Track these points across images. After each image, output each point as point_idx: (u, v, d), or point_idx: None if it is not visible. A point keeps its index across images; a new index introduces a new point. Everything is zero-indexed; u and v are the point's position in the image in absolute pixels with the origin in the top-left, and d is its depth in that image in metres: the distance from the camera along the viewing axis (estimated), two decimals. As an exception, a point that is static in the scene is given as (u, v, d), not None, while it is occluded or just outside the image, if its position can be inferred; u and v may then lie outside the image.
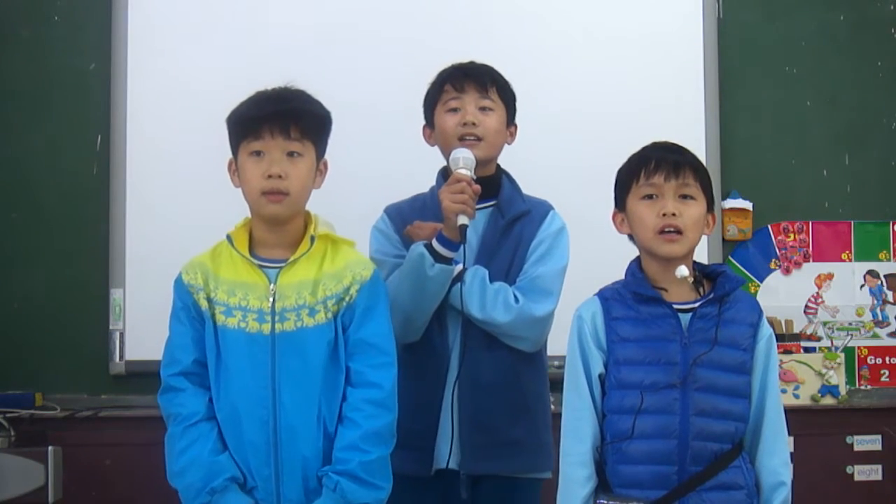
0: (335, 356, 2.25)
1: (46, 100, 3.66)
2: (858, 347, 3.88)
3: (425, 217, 2.53)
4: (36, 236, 3.63)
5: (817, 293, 3.88)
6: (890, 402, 3.78)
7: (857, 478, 3.66)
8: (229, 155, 2.32)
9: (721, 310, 2.17)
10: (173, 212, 3.54)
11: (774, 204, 3.88)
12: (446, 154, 2.56)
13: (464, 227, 2.39)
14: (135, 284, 3.55)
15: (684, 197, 2.18)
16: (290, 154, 2.25)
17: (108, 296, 3.58)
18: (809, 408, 3.64)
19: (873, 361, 3.88)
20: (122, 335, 3.57)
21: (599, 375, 2.19)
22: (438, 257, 2.41)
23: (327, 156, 2.37)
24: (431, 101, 2.61)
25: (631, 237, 2.27)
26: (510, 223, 2.55)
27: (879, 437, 3.66)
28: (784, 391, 3.56)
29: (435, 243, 2.43)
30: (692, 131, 3.65)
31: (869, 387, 3.86)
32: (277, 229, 2.29)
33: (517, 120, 2.65)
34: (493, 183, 2.55)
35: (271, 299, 2.24)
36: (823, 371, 3.67)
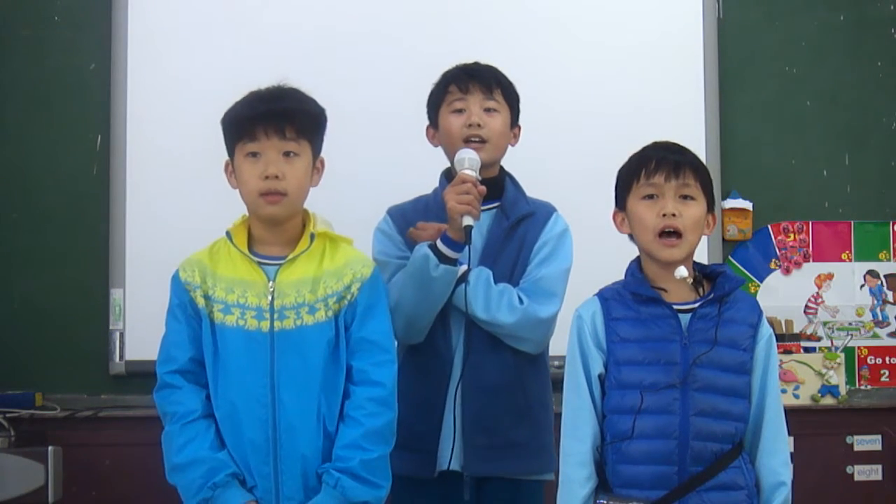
0: (335, 354, 2.25)
1: (46, 100, 3.66)
2: (858, 347, 3.88)
3: (428, 218, 2.53)
4: (36, 236, 3.62)
5: (817, 293, 3.88)
6: (890, 402, 3.78)
7: (857, 478, 3.66)
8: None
9: (721, 310, 2.17)
10: (173, 212, 3.54)
11: (774, 204, 3.88)
12: (450, 155, 2.56)
13: (469, 228, 2.39)
14: (135, 284, 3.55)
15: (684, 197, 2.18)
16: (287, 154, 2.25)
17: (108, 296, 3.58)
18: (809, 408, 3.63)
19: (873, 361, 3.89)
20: (122, 335, 3.57)
21: (599, 375, 2.19)
22: (443, 258, 2.41)
23: (328, 156, 2.37)
24: (435, 102, 2.61)
25: (631, 237, 2.27)
26: (514, 225, 2.55)
27: (879, 437, 3.66)
28: (784, 391, 3.55)
29: (439, 244, 2.42)
30: (692, 131, 3.64)
31: (869, 387, 3.86)
32: (275, 228, 2.30)
33: (520, 121, 2.65)
34: (496, 185, 2.55)
35: (270, 297, 2.24)
36: (823, 371, 3.67)
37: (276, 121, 2.23)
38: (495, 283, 2.48)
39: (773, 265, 3.88)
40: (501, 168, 2.62)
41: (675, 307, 2.17)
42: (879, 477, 3.66)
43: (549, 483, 2.48)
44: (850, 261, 3.91)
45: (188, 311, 2.28)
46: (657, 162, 2.18)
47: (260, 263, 2.27)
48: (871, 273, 3.91)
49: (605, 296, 2.24)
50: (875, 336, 3.89)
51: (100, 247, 3.61)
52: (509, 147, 2.62)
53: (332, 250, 2.31)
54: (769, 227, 3.89)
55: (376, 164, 3.55)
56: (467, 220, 2.39)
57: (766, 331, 2.21)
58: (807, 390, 3.66)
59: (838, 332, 3.87)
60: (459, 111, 2.55)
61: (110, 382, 3.58)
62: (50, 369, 3.56)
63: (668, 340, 2.14)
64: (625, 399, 2.14)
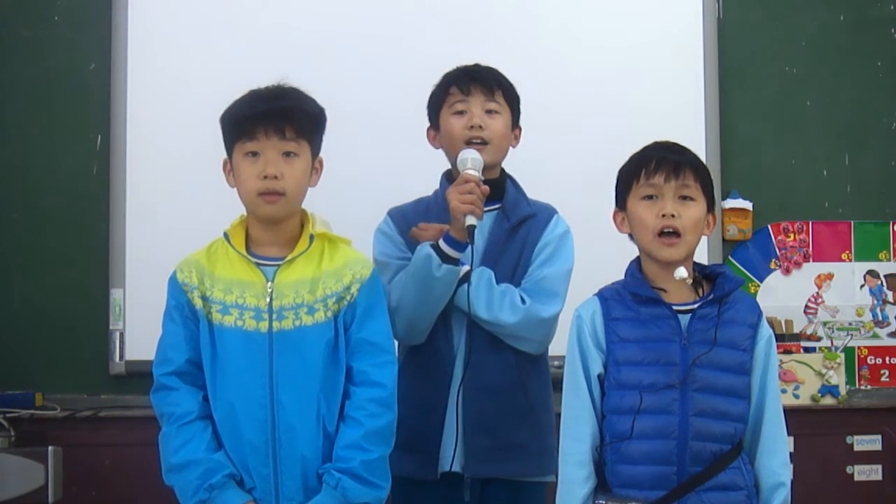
0: (335, 355, 2.25)
1: (46, 100, 3.66)
2: (858, 347, 3.88)
3: (429, 220, 2.52)
4: (36, 236, 3.63)
5: (817, 293, 3.88)
6: (890, 402, 3.78)
7: (857, 478, 3.66)
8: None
9: (720, 310, 2.17)
10: (173, 212, 3.55)
11: (774, 204, 3.88)
12: (451, 157, 2.56)
13: (472, 228, 2.39)
14: (135, 284, 3.55)
15: (684, 198, 2.18)
16: (286, 154, 2.24)
17: (108, 296, 3.58)
18: (809, 408, 3.63)
19: (873, 361, 3.89)
20: (122, 335, 3.57)
21: (598, 375, 2.19)
22: (445, 258, 2.41)
23: (328, 157, 2.37)
24: (436, 104, 2.60)
25: (631, 237, 2.27)
26: (515, 226, 2.55)
27: (879, 437, 3.66)
28: (784, 391, 3.56)
29: (442, 244, 2.42)
30: (692, 131, 3.64)
31: (869, 387, 3.86)
32: (274, 228, 2.29)
33: (520, 122, 2.65)
34: (498, 186, 2.55)
35: (268, 297, 2.23)
36: (823, 371, 3.67)
37: (275, 120, 2.23)
38: (497, 283, 2.48)
39: (773, 265, 3.88)
40: (502, 170, 2.62)
41: (674, 308, 2.17)
42: (879, 477, 3.66)
43: (550, 484, 2.48)
44: (850, 261, 3.91)
45: (185, 312, 2.27)
46: (657, 162, 2.18)
47: (258, 264, 2.26)
48: (871, 273, 3.91)
49: (604, 296, 2.24)
50: (875, 336, 3.89)
51: (100, 247, 3.61)
52: (510, 148, 2.62)
53: (331, 251, 2.31)
54: (769, 227, 3.89)
55: (376, 165, 3.55)
56: (470, 220, 2.39)
57: (765, 331, 2.21)
58: (807, 390, 3.66)
59: (838, 332, 3.87)
60: (461, 113, 2.55)
61: (110, 382, 3.58)
62: (50, 369, 3.56)
63: (667, 341, 2.14)
64: (624, 399, 2.14)
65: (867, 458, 3.66)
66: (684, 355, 2.13)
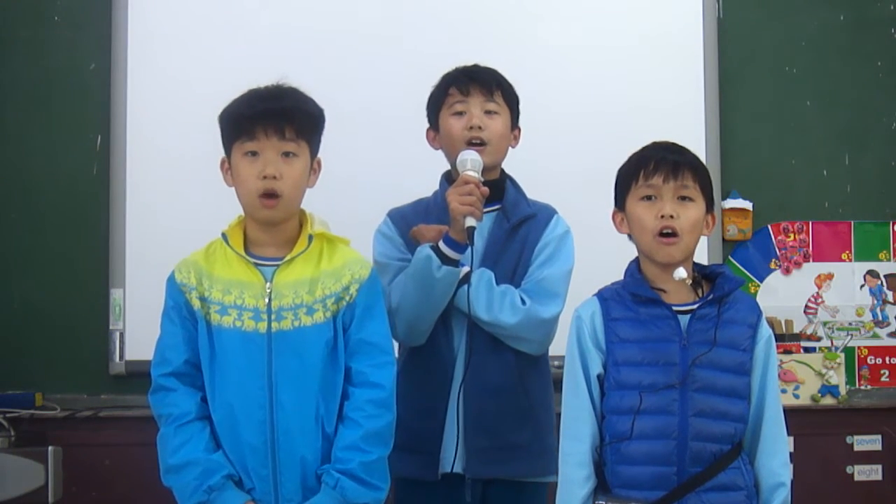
0: (333, 356, 2.24)
1: (46, 100, 3.66)
2: (858, 347, 3.88)
3: (429, 221, 2.52)
4: (36, 236, 3.63)
5: (817, 293, 3.88)
6: (890, 402, 3.78)
7: (857, 478, 3.66)
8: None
9: (720, 311, 2.17)
10: (173, 212, 3.54)
11: (774, 204, 3.88)
12: (451, 158, 2.56)
13: (471, 229, 2.39)
14: (135, 284, 3.55)
15: (683, 198, 2.18)
16: (285, 154, 2.24)
17: (108, 296, 3.58)
18: (809, 408, 3.63)
19: (873, 361, 3.88)
20: (122, 335, 3.57)
21: (598, 376, 2.19)
22: (445, 259, 2.41)
23: (328, 157, 2.37)
24: (436, 105, 2.60)
25: (630, 237, 2.27)
26: (515, 226, 2.55)
27: (879, 437, 3.66)
28: (784, 391, 3.56)
29: (442, 245, 2.42)
30: (692, 131, 3.64)
31: (869, 387, 3.86)
32: (272, 228, 2.28)
33: (520, 122, 2.65)
34: (498, 187, 2.55)
35: (267, 298, 2.23)
36: (823, 371, 3.67)
37: (275, 120, 2.22)
38: (497, 284, 2.47)
39: (773, 265, 3.88)
40: (502, 170, 2.62)
41: (674, 308, 2.17)
42: (879, 477, 3.66)
43: (551, 485, 2.48)
44: (850, 261, 3.91)
45: (183, 312, 2.27)
46: (656, 163, 2.18)
47: (256, 265, 2.26)
48: (871, 273, 3.91)
49: (604, 296, 2.24)
50: (875, 336, 3.89)
51: (100, 247, 3.61)
52: (509, 148, 2.62)
53: (330, 251, 2.31)
54: (769, 227, 3.89)
55: (376, 165, 3.55)
56: (470, 221, 2.39)
57: (765, 331, 2.21)
58: (807, 390, 3.66)
59: (838, 332, 3.87)
60: (460, 114, 2.55)
61: (110, 382, 3.58)
62: (50, 369, 3.56)
63: (667, 341, 2.14)
64: (624, 400, 2.14)
65: (867, 458, 3.66)
66: (684, 355, 2.13)
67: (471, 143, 2.51)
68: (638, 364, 2.14)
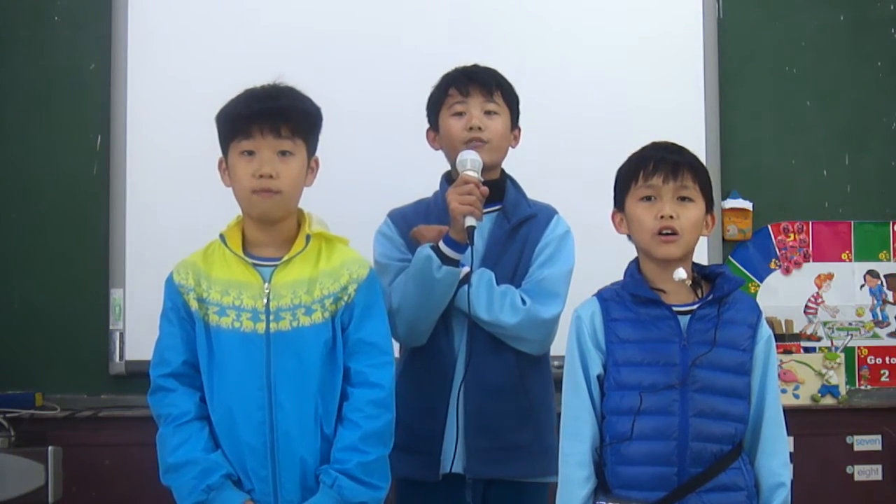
0: (332, 355, 2.24)
1: (46, 100, 3.66)
2: (858, 347, 3.88)
3: (429, 221, 2.52)
4: (36, 236, 3.63)
5: (817, 293, 3.88)
6: (890, 402, 3.78)
7: (857, 478, 3.65)
8: (227, 155, 2.32)
9: (720, 311, 2.16)
10: (173, 212, 3.54)
11: (774, 204, 3.88)
12: (451, 158, 2.56)
13: (471, 229, 2.38)
14: (135, 284, 3.55)
15: (683, 199, 2.18)
16: (282, 153, 2.24)
17: (108, 296, 3.58)
18: (809, 408, 3.63)
19: (873, 361, 3.88)
20: (122, 335, 3.57)
21: (598, 376, 2.19)
22: (445, 259, 2.41)
23: (328, 157, 2.37)
24: (435, 105, 2.60)
25: (629, 237, 2.27)
26: (516, 227, 2.54)
27: (879, 437, 3.66)
28: (784, 391, 3.56)
29: (442, 245, 2.42)
30: (692, 131, 3.64)
31: (869, 387, 3.86)
32: (269, 228, 2.28)
33: (519, 122, 2.65)
34: (498, 187, 2.55)
35: (265, 298, 2.22)
36: (823, 371, 3.67)
37: (271, 119, 2.22)
38: (497, 284, 2.47)
39: (773, 265, 3.88)
40: (502, 171, 2.62)
41: (674, 308, 2.16)
42: (879, 477, 3.66)
43: (551, 485, 2.48)
44: (850, 261, 3.91)
45: (182, 314, 2.27)
46: (655, 163, 2.18)
47: (255, 265, 2.25)
48: (871, 273, 3.91)
49: (603, 296, 2.24)
50: (875, 336, 3.89)
51: (100, 247, 3.61)
52: (510, 148, 2.62)
53: (328, 251, 2.30)
54: (769, 227, 3.89)
55: (376, 165, 3.55)
56: (470, 221, 2.39)
57: (765, 331, 2.21)
58: (807, 390, 3.66)
59: (838, 332, 3.87)
60: (460, 114, 2.55)
61: (110, 382, 3.58)
62: (50, 369, 3.56)
63: (667, 342, 2.14)
64: (624, 400, 2.14)
65: (867, 458, 3.66)
66: (684, 356, 2.13)
67: (471, 144, 2.51)
68: (638, 364, 2.14)
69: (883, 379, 3.88)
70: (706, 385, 2.12)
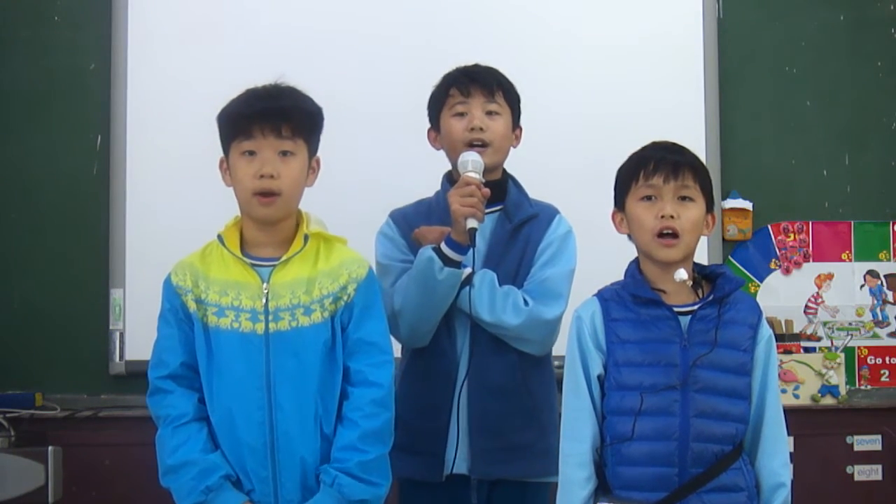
0: (332, 355, 2.24)
1: (46, 100, 3.66)
2: (858, 347, 3.88)
3: (431, 221, 2.52)
4: (36, 236, 3.63)
5: (817, 293, 3.88)
6: (890, 402, 3.78)
7: (857, 478, 3.66)
8: (228, 155, 2.32)
9: (721, 311, 2.16)
10: (173, 212, 3.54)
11: (774, 204, 3.88)
12: (452, 158, 2.56)
13: (473, 231, 2.38)
14: (135, 284, 3.55)
15: (683, 199, 2.17)
16: (283, 153, 2.23)
17: (108, 296, 3.58)
18: (809, 408, 3.63)
19: (873, 361, 3.88)
20: (122, 335, 3.57)
21: (598, 376, 2.19)
22: (447, 261, 2.41)
23: (329, 157, 2.36)
24: (437, 105, 2.60)
25: (630, 237, 2.27)
26: (518, 227, 2.54)
27: (879, 437, 3.66)
28: (784, 391, 3.56)
29: (444, 247, 2.42)
30: (692, 131, 3.64)
31: (869, 387, 3.86)
32: (269, 228, 2.28)
33: (520, 122, 2.65)
34: (499, 187, 2.54)
35: (264, 298, 2.22)
36: (823, 371, 3.67)
37: (272, 119, 2.22)
38: (499, 285, 2.47)
39: (773, 265, 3.88)
40: (504, 171, 2.62)
41: (674, 309, 2.16)
42: (879, 477, 3.66)
43: (553, 485, 2.48)
44: (850, 261, 3.91)
45: (180, 315, 2.26)
46: (656, 163, 2.18)
47: (253, 265, 2.25)
48: (871, 273, 3.91)
49: (604, 296, 2.24)
50: (875, 336, 3.89)
51: (100, 247, 3.61)
52: (511, 149, 2.62)
53: (327, 251, 2.30)
54: (769, 227, 3.89)
55: (377, 165, 3.54)
56: (471, 223, 2.39)
57: (765, 331, 2.20)
58: (807, 390, 3.66)
59: (838, 332, 3.87)
60: (461, 115, 2.54)
61: (110, 382, 3.58)
62: (50, 369, 3.56)
63: (667, 342, 2.14)
64: (625, 400, 2.13)
65: (867, 458, 3.66)
66: (685, 356, 2.13)
67: (472, 145, 2.50)
68: (639, 365, 2.14)
69: (883, 379, 3.88)
70: (707, 385, 2.12)
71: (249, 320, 2.22)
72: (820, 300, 3.88)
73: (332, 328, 2.24)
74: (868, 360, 3.88)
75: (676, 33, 3.80)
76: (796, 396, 3.64)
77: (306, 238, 2.27)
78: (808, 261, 3.89)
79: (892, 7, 3.97)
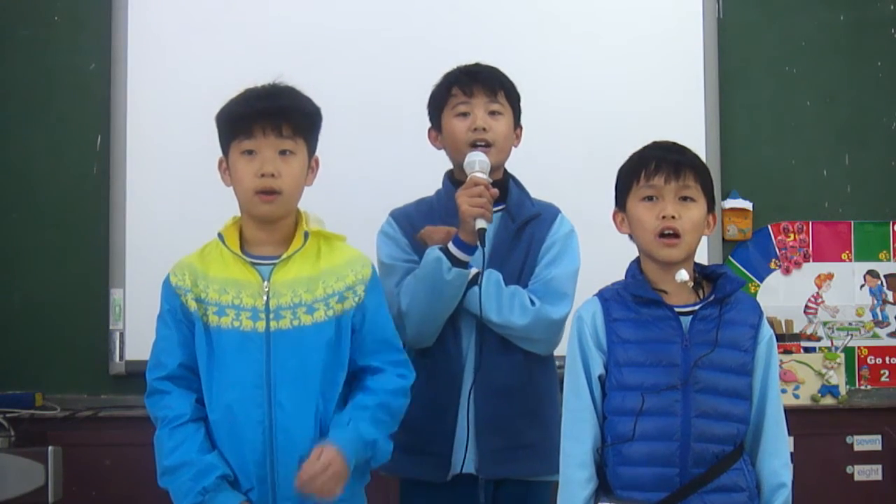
0: (335, 355, 2.24)
1: (46, 100, 3.66)
2: (858, 347, 3.88)
3: (433, 221, 2.52)
4: (36, 236, 3.63)
5: (817, 293, 3.89)
6: (890, 402, 3.78)
7: (857, 478, 3.65)
8: (228, 155, 2.32)
9: (721, 311, 2.16)
10: (173, 212, 3.54)
11: (774, 204, 3.88)
12: (454, 158, 2.55)
13: (482, 231, 2.38)
14: (135, 284, 3.55)
15: (684, 199, 2.17)
16: (283, 152, 2.23)
17: (108, 296, 3.58)
18: (809, 408, 3.63)
19: (873, 361, 3.89)
20: (122, 335, 3.57)
21: (599, 376, 2.19)
22: (455, 261, 2.40)
23: (329, 155, 2.36)
24: (438, 105, 2.59)
25: (631, 237, 2.26)
26: (521, 227, 2.54)
27: (879, 437, 3.66)
28: (784, 391, 3.55)
29: (451, 247, 2.41)
30: (692, 131, 3.65)
31: (869, 387, 3.86)
32: (269, 227, 2.27)
33: (521, 122, 2.65)
34: (501, 187, 2.54)
35: (265, 297, 2.22)
36: (823, 371, 3.67)
37: (272, 118, 2.22)
38: (504, 285, 2.47)
39: (773, 265, 3.88)
40: (505, 170, 2.61)
41: (675, 309, 2.16)
42: (879, 477, 3.65)
43: (555, 483, 2.48)
44: (850, 261, 3.91)
45: (178, 315, 2.26)
46: (657, 163, 2.17)
47: (253, 264, 2.25)
48: (871, 273, 3.91)
49: (605, 296, 2.23)
50: (875, 336, 3.89)
51: (100, 247, 3.61)
52: (512, 148, 2.61)
53: (328, 249, 2.30)
54: (769, 227, 3.89)
55: (376, 164, 3.55)
56: (480, 223, 2.39)
57: (766, 332, 2.20)
58: (807, 390, 3.66)
59: (838, 332, 3.87)
60: (463, 114, 2.54)
61: (110, 382, 3.58)
62: (50, 369, 3.57)
63: (668, 342, 2.13)
64: (626, 401, 2.13)
65: (867, 458, 3.66)
66: (686, 356, 2.12)
67: (475, 145, 2.50)
68: (640, 365, 2.14)
69: (883, 379, 3.88)
70: (708, 386, 2.11)
71: (250, 319, 2.22)
72: (820, 300, 3.88)
73: (337, 327, 2.24)
74: (868, 360, 3.88)
75: (676, 33, 3.81)
76: (796, 396, 3.64)
77: (306, 235, 2.27)
78: (808, 261, 3.89)
79: (892, 7, 3.97)
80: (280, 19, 3.66)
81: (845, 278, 3.90)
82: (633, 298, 2.19)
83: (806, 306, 3.88)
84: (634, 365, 2.14)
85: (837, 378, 3.68)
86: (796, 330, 3.83)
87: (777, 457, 2.16)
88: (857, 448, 3.66)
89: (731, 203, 3.82)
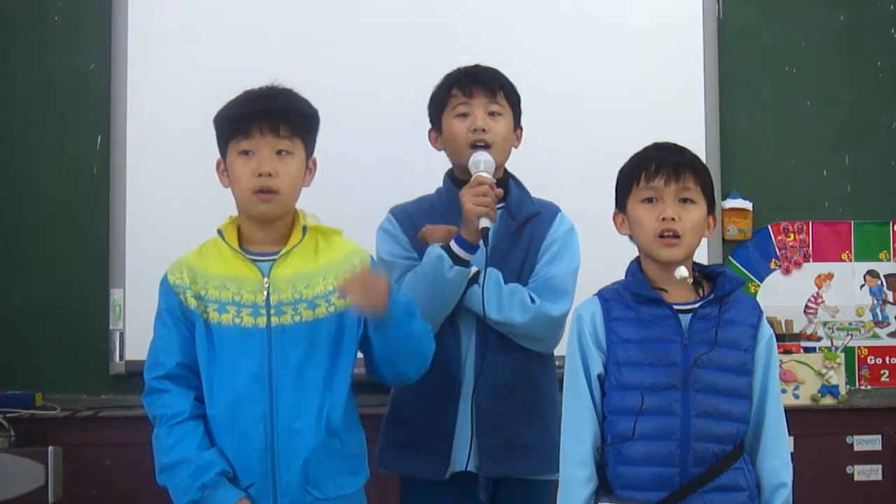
0: (338, 349, 2.25)
1: (46, 100, 3.66)
2: (858, 347, 3.88)
3: (434, 219, 2.53)
4: (36, 236, 3.62)
5: (817, 293, 3.88)
6: (890, 402, 3.78)
7: (857, 478, 3.65)
8: (228, 155, 2.32)
9: (721, 310, 2.16)
10: (173, 212, 3.54)
11: (774, 204, 3.88)
12: (454, 159, 2.56)
13: (486, 230, 2.39)
14: (135, 284, 3.55)
15: (684, 200, 2.17)
16: (280, 152, 2.24)
17: (108, 296, 3.58)
18: (809, 408, 3.63)
19: (873, 361, 3.88)
20: (122, 335, 3.56)
21: (599, 376, 2.19)
22: (456, 259, 2.41)
23: (328, 154, 2.37)
24: (438, 106, 2.60)
25: (631, 237, 2.27)
26: (521, 225, 2.55)
27: (879, 437, 3.66)
28: (784, 391, 3.55)
29: (453, 245, 2.42)
30: (692, 131, 3.64)
31: (869, 387, 3.86)
32: (266, 226, 2.28)
33: (521, 122, 2.65)
34: (501, 186, 2.54)
35: (265, 293, 2.23)
36: (823, 371, 3.67)
37: (270, 119, 2.23)
38: (504, 283, 2.47)
39: (773, 265, 3.88)
40: (505, 170, 2.62)
41: (675, 308, 2.16)
42: (879, 477, 3.66)
43: (555, 482, 2.48)
44: (850, 261, 3.91)
45: (177, 314, 2.27)
46: (657, 164, 2.17)
47: (253, 260, 2.26)
48: (871, 273, 3.91)
49: (604, 296, 2.24)
50: (875, 336, 3.89)
51: (100, 247, 3.61)
52: (512, 149, 2.62)
53: (325, 244, 2.31)
54: (769, 227, 3.89)
55: (375, 162, 3.54)
56: (484, 222, 2.39)
57: (766, 331, 2.21)
58: (807, 390, 3.66)
59: (838, 332, 3.87)
60: (463, 115, 2.54)
61: (110, 382, 3.58)
62: (50, 369, 3.56)
63: (668, 341, 2.14)
64: (625, 400, 2.13)
65: (867, 458, 3.66)
66: (685, 355, 2.13)
67: (475, 146, 2.51)
68: (639, 364, 2.14)
69: (883, 379, 3.88)
70: (708, 385, 2.12)
71: (251, 315, 2.22)
72: (820, 300, 3.88)
73: (339, 323, 2.25)
74: (868, 360, 3.88)
75: (676, 32, 3.80)
76: (796, 396, 3.64)
77: (304, 230, 2.28)
78: (808, 261, 3.89)
79: (892, 7, 3.97)
80: (280, 19, 3.65)
81: (845, 278, 3.90)
82: (633, 297, 2.19)
83: (806, 306, 3.88)
84: (634, 364, 2.14)
85: (837, 378, 3.68)
86: (796, 330, 3.83)
87: (777, 456, 2.16)
88: (857, 448, 3.66)
89: (730, 203, 3.82)
